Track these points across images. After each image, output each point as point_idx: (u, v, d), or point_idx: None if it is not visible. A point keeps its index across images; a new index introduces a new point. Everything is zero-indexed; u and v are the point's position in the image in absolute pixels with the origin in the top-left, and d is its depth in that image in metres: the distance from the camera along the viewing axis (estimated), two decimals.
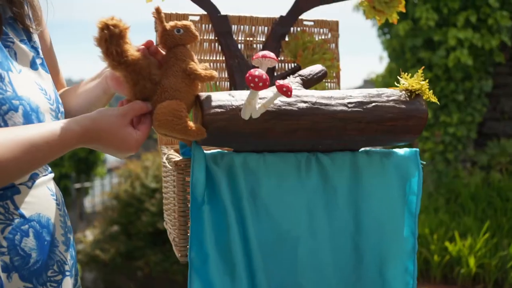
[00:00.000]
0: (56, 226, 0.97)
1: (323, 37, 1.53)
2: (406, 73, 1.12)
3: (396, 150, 1.14)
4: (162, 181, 1.28)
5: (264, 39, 1.48)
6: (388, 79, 5.85)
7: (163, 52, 1.00)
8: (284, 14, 1.49)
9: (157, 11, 0.95)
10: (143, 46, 0.98)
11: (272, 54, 0.94)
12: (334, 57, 1.52)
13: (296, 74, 1.09)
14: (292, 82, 1.06)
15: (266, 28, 1.49)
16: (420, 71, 1.11)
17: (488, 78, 5.37)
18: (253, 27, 1.48)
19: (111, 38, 0.89)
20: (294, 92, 1.01)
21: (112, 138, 0.91)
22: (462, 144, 5.40)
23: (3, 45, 0.93)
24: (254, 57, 0.95)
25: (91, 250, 5.49)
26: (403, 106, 1.06)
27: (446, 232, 4.16)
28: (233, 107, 0.96)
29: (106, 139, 0.91)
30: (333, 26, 1.54)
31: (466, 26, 5.13)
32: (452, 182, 5.12)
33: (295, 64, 1.50)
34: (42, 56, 1.02)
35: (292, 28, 1.50)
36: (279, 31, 1.48)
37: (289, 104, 0.99)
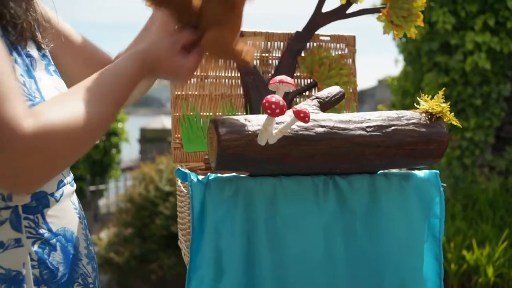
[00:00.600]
0: (79, 239, 0.99)
1: (339, 52, 1.51)
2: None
3: (416, 172, 1.12)
4: (176, 200, 1.27)
5: (279, 55, 1.46)
6: (403, 82, 5.79)
7: None
8: (300, 29, 1.47)
9: None
10: None
11: (289, 79, 0.92)
12: (351, 72, 1.50)
13: (313, 97, 1.07)
14: (309, 105, 1.04)
15: (282, 43, 1.47)
16: (440, 93, 1.08)
17: (507, 82, 5.29)
18: (269, 43, 1.47)
19: None
20: (311, 116, 0.99)
21: (165, 67, 0.94)
22: (479, 149, 5.32)
23: (23, 55, 0.93)
24: (271, 82, 0.93)
25: (106, 253, 5.51)
26: (423, 129, 1.03)
27: (464, 240, 4.10)
28: (249, 132, 0.94)
29: (160, 68, 0.94)
30: (350, 41, 1.52)
31: (484, 30, 5.05)
32: (469, 188, 5.04)
33: (311, 80, 1.48)
34: (54, 63, 1.03)
35: (308, 44, 1.48)
36: (295, 46, 1.46)
37: (306, 129, 0.97)
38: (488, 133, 5.32)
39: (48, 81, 0.96)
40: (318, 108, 1.04)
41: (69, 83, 1.12)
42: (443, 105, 1.05)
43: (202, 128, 1.37)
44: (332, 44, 1.51)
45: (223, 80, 1.43)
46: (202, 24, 0.94)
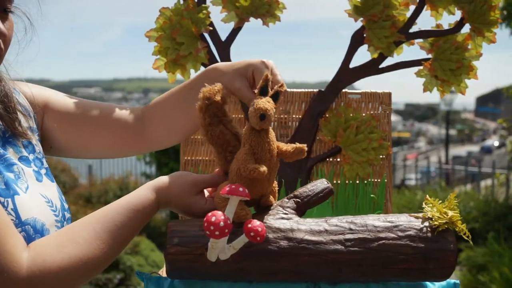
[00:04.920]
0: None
1: (372, 112, 1.32)
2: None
3: (428, 283, 0.91)
4: None
5: (300, 116, 1.31)
6: None
7: None
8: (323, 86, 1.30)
9: (265, 77, 0.88)
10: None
11: (240, 190, 0.79)
12: (383, 136, 1.30)
13: (291, 194, 0.92)
14: (283, 206, 0.89)
15: (303, 103, 1.32)
16: (452, 195, 0.87)
17: None
18: (288, 103, 1.32)
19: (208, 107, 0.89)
20: (277, 225, 0.85)
21: (179, 203, 0.92)
22: None
23: (9, 168, 0.91)
24: (221, 192, 0.81)
25: None
26: (421, 244, 0.83)
27: None
28: (200, 245, 0.83)
29: (175, 204, 0.92)
30: (384, 99, 1.32)
31: None
32: None
33: (335, 146, 1.31)
34: (47, 166, 1.01)
35: (334, 103, 1.31)
36: (317, 108, 1.30)
37: (266, 241, 0.83)
38: None
39: (35, 189, 0.93)
40: (293, 211, 0.89)
41: (81, 150, 1.09)
42: (451, 213, 0.84)
43: None
44: (363, 103, 1.32)
45: None
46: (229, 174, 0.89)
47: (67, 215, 0.99)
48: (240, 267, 0.83)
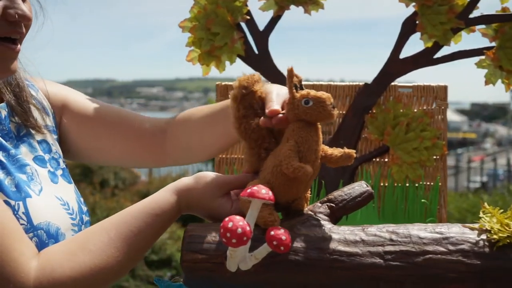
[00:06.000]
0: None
1: (424, 107, 1.18)
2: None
3: None
4: None
5: (344, 112, 1.20)
6: None
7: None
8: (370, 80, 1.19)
9: (290, 73, 0.76)
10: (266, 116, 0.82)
11: (262, 193, 0.70)
12: (437, 135, 1.16)
13: (324, 198, 0.81)
14: (314, 212, 0.79)
15: (347, 98, 1.20)
16: None
17: None
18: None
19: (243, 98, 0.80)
20: (309, 232, 0.75)
21: (202, 207, 0.83)
22: None
23: (21, 169, 0.87)
24: (241, 194, 0.72)
25: None
26: (477, 261, 0.71)
27: None
28: (220, 252, 0.74)
29: (197, 208, 0.83)
30: (440, 93, 1.18)
31: None
32: None
33: (382, 145, 1.19)
34: (64, 166, 0.97)
35: (382, 97, 1.19)
36: (363, 102, 1.18)
37: (294, 252, 0.73)
38: None
39: (50, 190, 0.89)
40: (326, 217, 0.78)
41: (97, 155, 1.05)
42: None
43: None
44: (414, 98, 1.19)
45: None
46: (260, 174, 0.80)
47: (86, 218, 0.94)
48: (263, 279, 0.74)
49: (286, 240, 0.68)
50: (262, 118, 0.80)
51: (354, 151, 0.77)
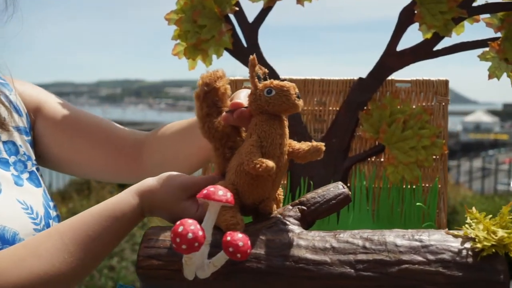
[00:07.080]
0: None
1: (423, 104, 1.10)
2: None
3: None
4: None
5: (337, 108, 1.13)
6: None
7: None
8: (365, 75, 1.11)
9: (252, 61, 0.71)
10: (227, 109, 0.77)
11: (220, 194, 0.63)
12: (436, 133, 1.08)
13: (296, 200, 0.74)
14: (283, 215, 0.72)
15: (341, 93, 1.13)
16: (506, 208, 0.66)
17: None
18: (324, 93, 1.14)
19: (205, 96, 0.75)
20: (275, 238, 0.68)
21: (165, 210, 0.78)
22: None
23: None
24: (198, 195, 0.66)
25: None
26: (458, 272, 0.63)
27: None
28: (176, 259, 0.68)
29: (161, 211, 0.78)
30: (440, 88, 1.10)
31: None
32: None
33: (377, 143, 1.11)
34: (32, 169, 0.92)
35: (377, 93, 1.11)
36: (357, 98, 1.11)
37: (256, 259, 0.67)
38: None
39: (10, 193, 0.84)
40: (296, 221, 0.71)
41: (76, 169, 1.01)
42: (503, 232, 0.63)
43: None
44: (413, 93, 1.11)
45: None
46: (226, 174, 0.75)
47: (53, 223, 0.89)
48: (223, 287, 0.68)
49: (244, 247, 0.62)
50: (223, 113, 0.74)
51: (323, 143, 0.70)
